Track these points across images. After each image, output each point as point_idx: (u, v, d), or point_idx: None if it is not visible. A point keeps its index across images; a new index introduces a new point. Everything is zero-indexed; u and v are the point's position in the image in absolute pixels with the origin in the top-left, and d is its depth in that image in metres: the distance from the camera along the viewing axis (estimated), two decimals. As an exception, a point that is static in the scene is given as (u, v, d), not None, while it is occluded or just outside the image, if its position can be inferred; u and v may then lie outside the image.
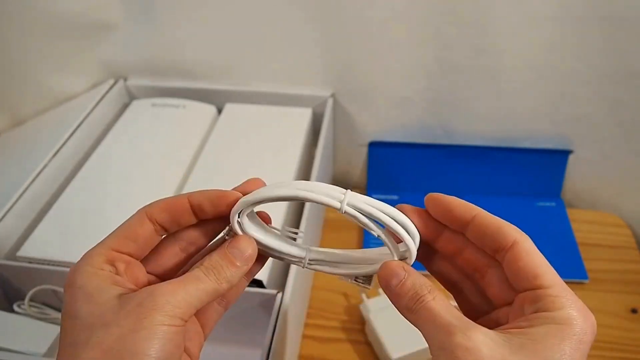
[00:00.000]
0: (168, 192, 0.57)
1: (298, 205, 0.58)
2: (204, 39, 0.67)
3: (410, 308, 0.27)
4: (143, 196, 0.56)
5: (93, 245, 0.31)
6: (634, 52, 0.59)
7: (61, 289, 0.30)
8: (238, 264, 0.30)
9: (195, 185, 0.57)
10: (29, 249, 0.50)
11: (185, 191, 0.56)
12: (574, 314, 0.26)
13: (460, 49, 0.62)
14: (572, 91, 0.64)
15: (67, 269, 0.48)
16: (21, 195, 0.54)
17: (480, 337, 0.24)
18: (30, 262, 0.50)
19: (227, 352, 0.51)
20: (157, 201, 0.32)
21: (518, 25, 0.59)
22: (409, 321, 0.28)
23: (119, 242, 0.30)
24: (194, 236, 0.32)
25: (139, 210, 0.31)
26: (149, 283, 0.30)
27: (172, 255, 0.32)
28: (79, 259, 0.30)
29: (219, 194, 0.31)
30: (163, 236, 0.32)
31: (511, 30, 0.59)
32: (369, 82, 0.67)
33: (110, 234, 0.31)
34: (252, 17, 0.63)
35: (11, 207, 0.53)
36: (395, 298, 0.28)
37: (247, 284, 0.34)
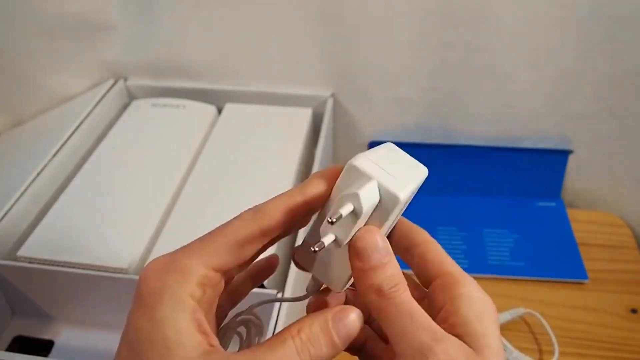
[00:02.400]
0: (168, 192, 0.57)
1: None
2: (204, 39, 0.67)
3: (382, 291, 0.24)
4: (143, 196, 0.56)
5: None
6: (634, 52, 0.59)
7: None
8: (337, 341, 0.25)
9: (195, 185, 0.57)
10: (29, 249, 0.50)
11: (185, 191, 0.56)
12: (479, 293, 0.26)
13: (460, 49, 0.62)
14: (572, 91, 0.64)
15: (69, 270, 0.49)
16: (21, 195, 0.54)
17: (453, 351, 0.23)
18: (30, 262, 0.50)
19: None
20: (264, 206, 0.27)
21: (518, 25, 0.59)
22: (369, 303, 0.25)
23: (224, 255, 0.25)
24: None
25: (246, 215, 0.26)
26: (222, 315, 0.28)
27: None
28: (163, 263, 0.25)
29: (331, 173, 0.27)
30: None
31: (511, 30, 0.59)
32: (369, 82, 0.67)
33: (215, 239, 0.25)
34: (252, 17, 0.63)
35: (11, 207, 0.53)
36: (368, 273, 0.25)
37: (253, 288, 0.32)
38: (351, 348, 0.29)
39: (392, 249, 0.26)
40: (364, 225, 0.26)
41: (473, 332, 0.24)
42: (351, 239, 0.26)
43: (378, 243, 0.25)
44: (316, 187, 0.27)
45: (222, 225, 0.26)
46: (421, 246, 0.28)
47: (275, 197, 0.27)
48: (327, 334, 0.24)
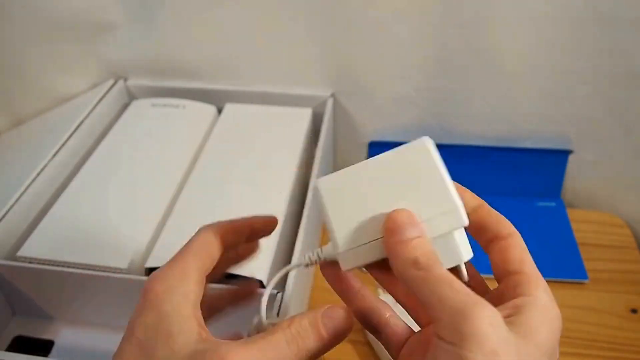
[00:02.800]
0: (168, 192, 0.57)
1: (298, 204, 0.58)
2: (204, 39, 0.67)
3: (420, 263, 0.25)
4: (143, 196, 0.56)
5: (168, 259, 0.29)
6: (634, 52, 0.59)
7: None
8: (326, 335, 0.27)
9: (195, 185, 0.57)
10: (29, 249, 0.50)
11: (185, 191, 0.56)
12: (549, 302, 0.27)
13: (460, 48, 0.62)
14: (572, 91, 0.64)
15: (69, 270, 0.49)
16: (21, 195, 0.54)
17: (500, 320, 0.23)
18: (30, 262, 0.50)
19: None
20: (224, 223, 0.32)
21: (518, 25, 0.59)
22: (406, 278, 0.26)
23: (203, 261, 0.29)
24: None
25: (207, 228, 0.31)
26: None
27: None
28: (168, 267, 0.28)
29: (269, 218, 0.34)
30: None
31: (511, 30, 0.59)
32: (369, 82, 0.67)
33: (195, 250, 0.29)
34: (252, 17, 0.63)
35: (11, 207, 0.53)
36: (404, 247, 0.26)
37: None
38: (371, 329, 0.31)
39: (475, 237, 0.29)
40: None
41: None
42: None
43: (412, 218, 0.27)
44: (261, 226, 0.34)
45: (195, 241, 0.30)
46: (505, 240, 0.28)
47: (230, 222, 0.32)
48: (315, 328, 0.26)
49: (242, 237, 0.32)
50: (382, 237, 0.28)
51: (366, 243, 0.29)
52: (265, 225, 0.34)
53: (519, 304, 0.25)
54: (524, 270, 0.27)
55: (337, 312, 0.27)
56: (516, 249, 0.28)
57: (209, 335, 0.27)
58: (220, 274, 0.34)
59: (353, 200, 0.30)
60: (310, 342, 0.26)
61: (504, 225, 0.29)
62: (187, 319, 0.26)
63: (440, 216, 0.28)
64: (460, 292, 0.24)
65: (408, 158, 0.30)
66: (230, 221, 0.32)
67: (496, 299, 0.26)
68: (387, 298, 0.50)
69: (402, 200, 0.29)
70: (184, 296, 0.27)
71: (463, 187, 0.30)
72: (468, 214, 0.28)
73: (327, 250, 0.30)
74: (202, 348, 0.25)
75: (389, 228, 0.27)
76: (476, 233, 0.29)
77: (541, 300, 0.26)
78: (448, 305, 0.23)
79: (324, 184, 0.31)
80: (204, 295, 0.29)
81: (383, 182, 0.30)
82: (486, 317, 0.23)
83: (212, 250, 0.30)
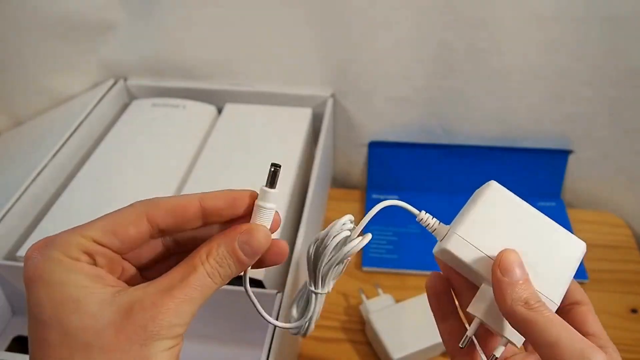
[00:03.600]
0: (168, 192, 0.57)
1: (298, 204, 0.58)
2: (204, 39, 0.67)
3: (530, 304, 0.28)
4: (143, 196, 0.56)
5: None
6: (634, 52, 0.59)
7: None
8: (244, 258, 0.27)
9: (195, 185, 0.57)
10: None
11: (185, 192, 0.56)
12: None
13: (460, 49, 0.62)
14: (572, 91, 0.64)
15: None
16: (21, 195, 0.54)
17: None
18: (30, 262, 0.50)
19: (227, 352, 0.51)
20: (161, 202, 0.27)
21: (518, 25, 0.59)
22: (516, 315, 0.28)
23: (102, 235, 0.26)
24: (183, 237, 0.29)
25: (135, 205, 0.27)
26: (128, 274, 0.27)
27: (152, 247, 0.29)
28: (41, 243, 0.25)
29: (235, 195, 0.28)
30: (157, 237, 0.28)
31: (511, 30, 0.59)
32: (369, 82, 0.67)
33: (92, 222, 0.26)
34: (252, 17, 0.63)
35: (11, 207, 0.53)
36: (514, 287, 0.28)
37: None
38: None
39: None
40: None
41: None
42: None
43: (521, 261, 0.30)
44: (216, 201, 0.27)
45: (112, 212, 0.27)
46: (585, 306, 0.32)
47: (174, 196, 0.28)
48: (233, 254, 0.26)
49: (186, 217, 0.27)
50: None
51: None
52: (227, 204, 0.28)
53: None
54: (600, 334, 0.30)
55: (254, 237, 0.27)
56: (595, 317, 0.31)
57: (117, 285, 0.25)
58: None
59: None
60: (232, 267, 0.26)
61: (581, 294, 0.33)
62: (88, 283, 0.24)
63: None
64: (577, 336, 0.27)
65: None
66: (170, 198, 0.28)
67: None
68: (387, 297, 0.50)
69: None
70: (71, 265, 0.24)
71: None
72: None
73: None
74: (118, 298, 0.24)
75: (502, 266, 0.29)
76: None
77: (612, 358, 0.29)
78: (568, 347, 0.26)
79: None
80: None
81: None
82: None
83: (123, 226, 0.26)
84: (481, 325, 0.31)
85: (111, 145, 0.63)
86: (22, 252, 0.50)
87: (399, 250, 0.66)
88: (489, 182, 0.34)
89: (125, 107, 0.70)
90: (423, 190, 0.73)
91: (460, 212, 0.33)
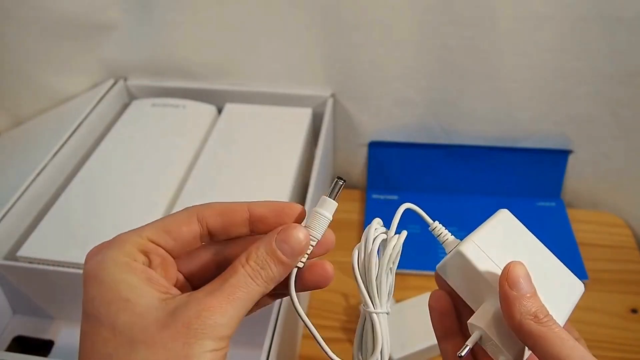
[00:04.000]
0: (168, 192, 0.57)
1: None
2: (204, 39, 0.67)
3: (539, 318, 0.28)
4: (143, 196, 0.56)
5: (103, 240, 0.27)
6: (634, 52, 0.59)
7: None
8: (286, 259, 0.27)
9: (195, 185, 0.57)
10: (29, 249, 0.50)
11: (185, 191, 0.56)
12: None
13: (460, 49, 0.62)
14: (572, 91, 0.64)
15: (68, 270, 0.49)
16: (21, 195, 0.54)
17: None
18: (30, 262, 0.50)
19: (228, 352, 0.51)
20: (212, 203, 0.28)
21: (518, 25, 0.59)
22: (524, 328, 0.27)
23: (157, 234, 0.27)
24: (232, 253, 0.29)
25: (188, 208, 0.28)
26: (180, 284, 0.28)
27: (204, 256, 0.29)
28: (102, 243, 0.26)
29: (283, 205, 0.29)
30: (203, 243, 0.29)
31: (511, 30, 0.59)
32: (369, 82, 0.67)
33: (148, 224, 0.28)
34: (252, 17, 0.63)
35: (11, 207, 0.53)
36: (523, 301, 0.28)
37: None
38: None
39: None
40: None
41: None
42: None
43: (529, 275, 0.29)
44: (263, 208, 0.29)
45: (165, 216, 0.28)
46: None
47: (225, 202, 0.29)
48: (273, 255, 0.26)
49: (234, 219, 0.28)
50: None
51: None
52: (273, 213, 0.29)
53: None
54: None
55: (291, 235, 0.27)
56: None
57: (168, 290, 0.26)
58: None
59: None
60: (273, 269, 0.26)
61: (576, 335, 0.31)
62: (139, 283, 0.25)
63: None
64: (589, 355, 0.27)
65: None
66: (221, 203, 0.29)
67: None
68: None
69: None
70: (125, 265, 0.25)
71: None
72: None
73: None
74: (169, 303, 0.24)
75: (510, 279, 0.28)
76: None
77: None
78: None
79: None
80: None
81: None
82: None
83: (176, 224, 0.28)
84: (479, 346, 0.31)
85: (111, 145, 0.63)
86: (22, 252, 0.50)
87: (399, 250, 0.66)
88: (502, 209, 0.35)
89: (125, 107, 0.70)
90: (423, 190, 0.73)
91: (472, 232, 0.34)
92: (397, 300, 0.57)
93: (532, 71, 0.63)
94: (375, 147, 0.73)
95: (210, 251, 0.29)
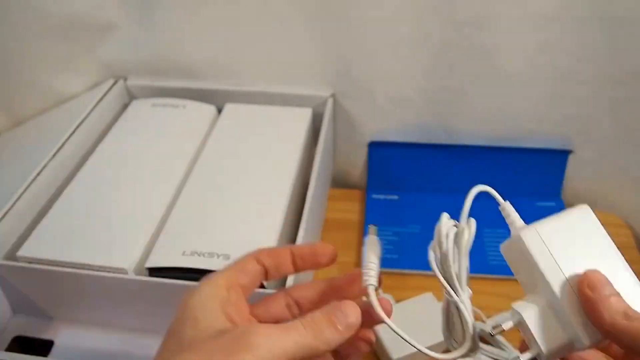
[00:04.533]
0: (168, 192, 0.57)
1: (298, 204, 0.58)
2: (204, 39, 0.67)
3: (630, 315, 0.28)
4: (143, 196, 0.56)
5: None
6: (634, 52, 0.59)
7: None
8: (340, 327, 0.29)
9: (195, 185, 0.57)
10: (29, 249, 0.50)
11: (185, 191, 0.56)
12: None
13: (460, 48, 0.62)
14: (572, 91, 0.64)
15: (69, 270, 0.49)
16: (21, 195, 0.54)
17: None
18: (30, 262, 0.50)
19: None
20: (264, 247, 0.34)
21: (518, 25, 0.59)
22: (618, 328, 0.28)
23: (236, 273, 0.32)
24: (302, 296, 0.35)
25: (248, 253, 0.34)
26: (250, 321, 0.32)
27: (278, 306, 0.34)
28: (202, 281, 0.31)
29: (317, 247, 0.34)
30: (265, 280, 0.34)
31: (511, 30, 0.59)
32: (369, 82, 0.67)
33: (226, 267, 0.33)
34: (252, 17, 0.63)
35: (11, 207, 0.53)
36: (609, 301, 0.28)
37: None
38: None
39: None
40: None
41: None
42: None
43: (607, 279, 0.30)
44: (302, 248, 0.35)
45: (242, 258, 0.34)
46: None
47: (270, 247, 0.35)
48: (328, 318, 0.29)
49: (281, 259, 0.34)
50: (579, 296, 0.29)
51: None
52: (310, 253, 0.35)
53: None
54: None
55: (347, 307, 0.30)
56: None
57: (235, 321, 0.29)
58: None
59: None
60: (325, 330, 0.28)
61: None
62: (213, 310, 0.29)
63: None
64: None
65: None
66: (268, 247, 0.35)
67: None
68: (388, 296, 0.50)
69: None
70: (211, 295, 0.30)
71: None
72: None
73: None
74: (228, 327, 0.28)
75: (590, 284, 0.29)
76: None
77: None
78: None
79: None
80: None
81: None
82: None
83: (244, 265, 0.33)
84: None
85: (111, 145, 0.63)
86: (22, 252, 0.50)
87: (399, 250, 0.66)
88: (583, 204, 0.34)
89: (125, 107, 0.70)
90: (423, 190, 0.73)
91: (540, 220, 0.33)
92: (397, 300, 0.57)
93: (532, 71, 0.63)
94: (375, 147, 0.73)
95: (281, 303, 0.34)
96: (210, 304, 0.29)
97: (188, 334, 0.28)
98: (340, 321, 0.29)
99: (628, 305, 0.28)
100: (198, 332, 0.28)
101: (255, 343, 0.26)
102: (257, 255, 0.34)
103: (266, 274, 0.34)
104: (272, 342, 0.26)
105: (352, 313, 0.30)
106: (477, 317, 0.54)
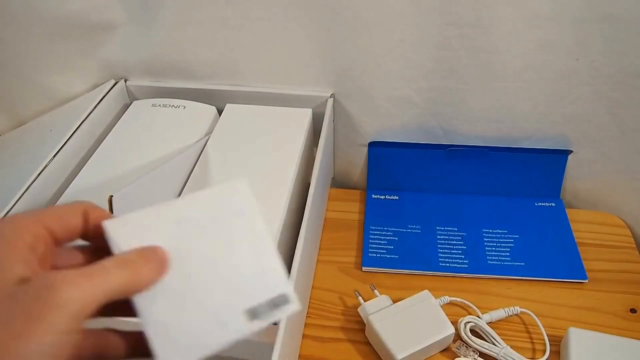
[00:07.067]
0: (168, 192, 0.57)
1: (298, 204, 0.58)
2: (204, 40, 0.67)
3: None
4: (143, 196, 0.56)
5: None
6: (634, 52, 0.59)
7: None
8: (152, 263, 0.27)
9: (195, 185, 0.57)
10: (30, 249, 0.51)
11: (185, 191, 0.56)
12: None
13: (460, 49, 0.62)
14: (571, 91, 0.64)
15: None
16: (21, 195, 0.54)
17: None
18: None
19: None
20: (95, 205, 0.30)
21: (518, 25, 0.59)
22: None
23: (52, 221, 0.27)
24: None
25: (76, 202, 0.28)
26: None
27: (78, 257, 0.29)
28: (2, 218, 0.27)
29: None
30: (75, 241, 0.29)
31: (511, 30, 0.59)
32: (369, 82, 0.67)
33: (47, 209, 0.28)
34: (252, 17, 0.64)
35: (11, 207, 0.53)
36: None
37: None
38: None
39: None
40: None
41: None
42: None
43: None
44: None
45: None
46: None
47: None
48: (142, 255, 0.27)
49: (70, 221, 0.28)
50: None
51: None
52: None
53: None
54: None
55: (158, 247, 0.28)
56: None
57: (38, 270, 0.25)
58: None
59: None
60: (140, 266, 0.26)
61: None
62: (11, 258, 0.24)
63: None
64: None
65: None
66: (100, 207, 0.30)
67: None
68: (384, 297, 0.51)
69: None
70: (12, 243, 0.25)
71: None
72: None
73: None
74: (28, 276, 0.23)
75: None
76: None
77: None
78: None
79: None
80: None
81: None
82: None
83: (64, 214, 0.28)
84: None
85: (111, 146, 0.63)
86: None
87: (399, 250, 0.66)
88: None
89: (125, 107, 0.70)
90: (423, 190, 0.73)
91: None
92: (396, 300, 0.57)
93: (531, 71, 0.63)
94: (375, 147, 0.73)
95: (86, 255, 0.29)
96: (11, 251, 0.24)
97: None
98: (151, 257, 0.27)
99: None
100: None
101: (64, 298, 0.22)
102: (85, 208, 0.28)
103: (81, 235, 0.29)
104: (84, 292, 0.22)
105: (163, 252, 0.28)
106: (472, 312, 0.54)
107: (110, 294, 0.24)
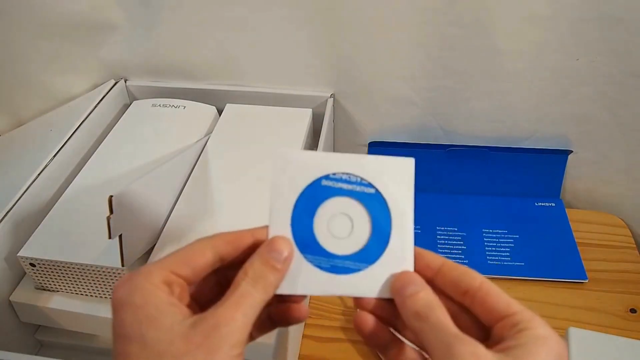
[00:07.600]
0: (168, 192, 0.57)
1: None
2: (204, 40, 0.67)
3: (420, 314, 0.29)
4: (143, 196, 0.56)
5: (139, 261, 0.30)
6: (634, 52, 0.59)
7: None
8: (279, 266, 0.30)
9: (195, 185, 0.57)
10: (29, 249, 0.51)
11: (185, 191, 0.56)
12: (551, 332, 0.28)
13: (460, 49, 0.62)
14: (572, 91, 0.64)
15: (68, 270, 0.49)
16: (21, 195, 0.54)
17: (483, 351, 0.26)
18: (30, 262, 0.50)
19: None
20: (221, 233, 0.32)
21: (518, 26, 0.59)
22: (412, 327, 0.29)
23: (177, 265, 0.30)
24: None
25: (201, 240, 0.31)
26: (191, 306, 0.30)
27: (209, 280, 0.32)
28: (129, 275, 0.29)
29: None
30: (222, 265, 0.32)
31: (511, 30, 0.59)
32: (369, 82, 0.67)
33: (168, 256, 0.30)
34: (252, 17, 0.64)
35: (11, 207, 0.53)
36: (407, 302, 0.30)
37: None
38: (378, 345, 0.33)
39: (447, 292, 0.31)
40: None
41: None
42: None
43: (413, 277, 0.31)
44: (261, 234, 0.32)
45: (182, 248, 0.31)
46: (480, 290, 0.30)
47: (231, 232, 0.32)
48: (268, 264, 0.30)
49: (241, 245, 0.31)
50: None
51: None
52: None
53: (520, 338, 0.27)
54: (515, 310, 0.29)
55: (278, 244, 0.30)
56: (495, 294, 0.30)
57: (187, 312, 0.28)
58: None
59: None
60: (270, 277, 0.29)
61: (472, 276, 0.31)
62: (165, 306, 0.28)
63: None
64: (448, 333, 0.27)
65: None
66: (230, 232, 0.32)
67: (498, 343, 0.28)
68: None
69: None
70: (152, 292, 0.28)
71: (422, 249, 0.33)
72: (433, 276, 0.32)
73: None
74: (191, 320, 0.27)
75: (396, 283, 0.31)
76: (450, 291, 0.31)
77: (541, 330, 0.28)
78: (437, 345, 0.27)
79: None
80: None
81: None
82: (467, 352, 0.26)
83: (191, 256, 0.30)
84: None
85: (111, 146, 0.63)
86: (22, 253, 0.50)
87: (399, 250, 0.66)
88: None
89: (125, 107, 0.70)
90: (423, 191, 0.73)
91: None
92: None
93: (532, 71, 0.63)
94: (375, 147, 0.73)
95: (214, 275, 0.32)
96: (157, 300, 0.28)
97: (151, 335, 0.26)
98: (277, 260, 0.30)
99: (424, 303, 0.29)
100: (163, 333, 0.27)
101: (226, 333, 0.26)
102: (212, 242, 0.31)
103: (222, 261, 0.31)
104: (238, 324, 0.27)
105: (283, 246, 0.30)
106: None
107: (257, 312, 0.28)
